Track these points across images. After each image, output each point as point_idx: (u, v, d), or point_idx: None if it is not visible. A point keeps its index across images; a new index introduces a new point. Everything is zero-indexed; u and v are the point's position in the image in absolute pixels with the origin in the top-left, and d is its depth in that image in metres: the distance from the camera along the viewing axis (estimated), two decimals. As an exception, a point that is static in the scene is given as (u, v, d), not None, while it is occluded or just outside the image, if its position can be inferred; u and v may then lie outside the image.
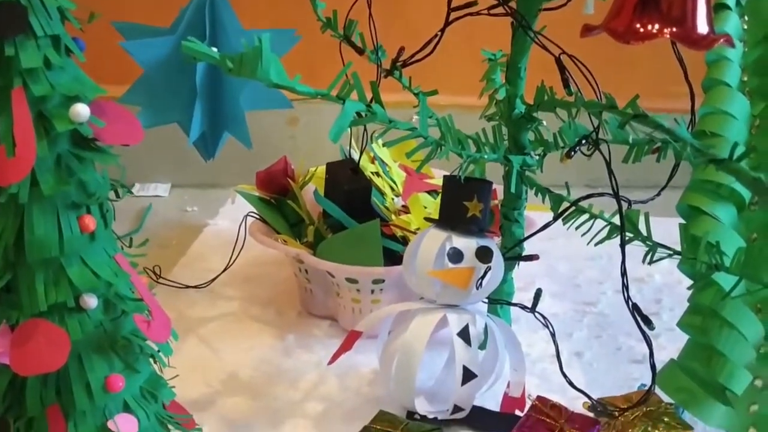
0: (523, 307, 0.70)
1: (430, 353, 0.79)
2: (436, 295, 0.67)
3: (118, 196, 0.51)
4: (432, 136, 0.63)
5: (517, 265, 0.78)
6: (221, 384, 0.75)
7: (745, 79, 0.62)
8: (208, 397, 0.73)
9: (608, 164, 0.60)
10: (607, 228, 0.66)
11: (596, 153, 0.61)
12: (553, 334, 0.68)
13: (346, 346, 0.69)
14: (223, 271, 0.94)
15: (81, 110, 0.43)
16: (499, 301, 0.76)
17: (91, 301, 0.48)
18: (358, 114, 0.58)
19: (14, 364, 0.45)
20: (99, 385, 0.49)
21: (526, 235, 0.73)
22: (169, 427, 0.57)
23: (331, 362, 0.70)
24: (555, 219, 0.69)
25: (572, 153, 0.58)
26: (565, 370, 0.78)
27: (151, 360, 0.55)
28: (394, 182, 0.90)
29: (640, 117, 0.51)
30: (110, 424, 0.50)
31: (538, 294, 0.69)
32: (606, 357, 0.81)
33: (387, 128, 0.61)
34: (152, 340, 0.50)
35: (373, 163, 0.91)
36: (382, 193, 0.87)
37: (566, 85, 0.58)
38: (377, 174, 0.90)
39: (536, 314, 0.69)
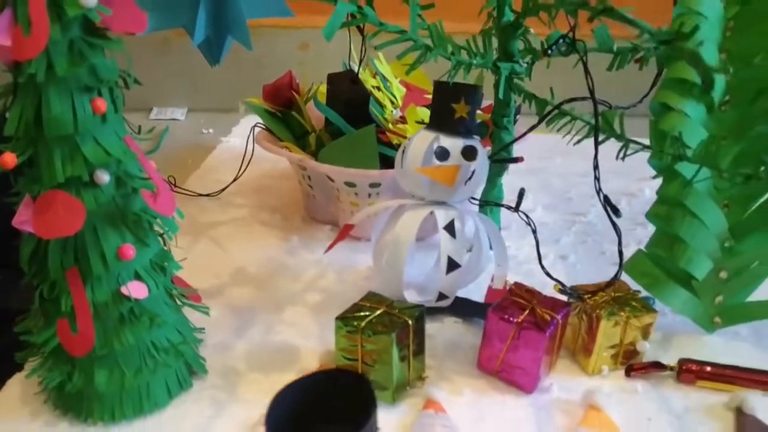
0: (508, 207, 0.75)
1: (423, 253, 0.84)
2: (424, 193, 0.72)
3: (126, 86, 0.56)
4: (421, 39, 0.67)
5: (506, 172, 0.82)
6: (229, 277, 0.81)
7: (721, -17, 0.65)
8: (217, 288, 0.79)
9: (585, 65, 0.64)
10: (588, 129, 0.70)
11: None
12: (534, 231, 0.73)
13: (341, 237, 0.74)
14: (234, 180, 1.00)
15: (89, -4, 0.47)
16: (488, 203, 0.81)
17: (104, 177, 0.53)
18: (352, 15, 0.62)
19: (36, 229, 0.51)
20: (112, 253, 0.55)
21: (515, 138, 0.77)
22: (178, 299, 0.63)
23: (327, 251, 0.76)
24: (540, 121, 0.73)
25: (549, 51, 0.62)
26: (549, 270, 0.84)
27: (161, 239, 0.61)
28: (394, 96, 0.94)
29: (607, 11, 0.54)
30: (123, 290, 0.56)
31: (521, 193, 0.74)
32: (589, 260, 0.86)
33: (378, 30, 0.65)
34: (158, 212, 0.55)
35: (374, 77, 0.95)
36: (382, 106, 0.91)
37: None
38: (378, 88, 0.94)
39: (519, 213, 0.73)
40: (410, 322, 0.61)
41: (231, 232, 0.91)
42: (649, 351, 0.67)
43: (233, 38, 0.70)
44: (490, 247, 0.75)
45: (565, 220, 0.96)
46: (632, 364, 0.66)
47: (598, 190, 0.65)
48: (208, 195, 0.99)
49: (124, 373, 0.58)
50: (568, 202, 1.00)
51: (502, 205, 0.78)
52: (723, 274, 0.69)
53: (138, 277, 0.57)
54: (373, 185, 0.83)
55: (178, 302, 0.63)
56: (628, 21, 0.53)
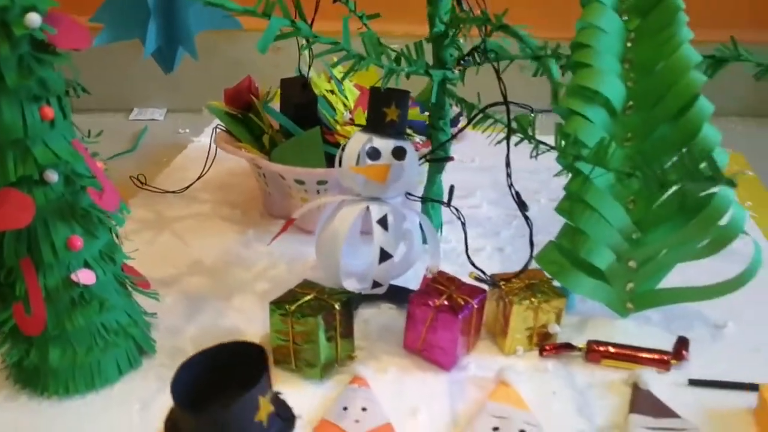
0: (441, 202, 0.82)
1: (368, 245, 0.90)
2: (360, 189, 0.78)
3: (76, 94, 0.63)
4: (354, 50, 0.73)
5: (443, 170, 0.89)
6: (186, 267, 0.88)
7: (622, -2, 0.71)
8: (173, 277, 0.86)
9: (498, 75, 0.70)
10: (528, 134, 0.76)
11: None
12: (463, 224, 0.79)
13: (283, 229, 0.81)
14: (198, 178, 1.07)
15: (33, 18, 0.54)
16: (426, 200, 0.88)
17: (53, 176, 0.60)
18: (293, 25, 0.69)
19: (-9, 222, 0.58)
20: (62, 243, 0.61)
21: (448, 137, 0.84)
22: (128, 286, 0.70)
23: (271, 242, 0.82)
24: (468, 123, 0.80)
25: (461, 63, 0.68)
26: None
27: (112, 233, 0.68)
28: (347, 99, 1.00)
29: (502, 27, 0.60)
30: (73, 276, 0.62)
31: (451, 190, 0.80)
32: (525, 252, 0.91)
33: (311, 43, 0.71)
34: (103, 208, 0.62)
35: (329, 82, 1.02)
36: (335, 108, 0.98)
37: (458, 3, 0.67)
38: (332, 92, 1.00)
39: (450, 207, 0.80)
40: (337, 306, 0.68)
41: (193, 226, 0.98)
42: (561, 333, 0.74)
43: (183, 49, 0.77)
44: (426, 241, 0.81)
45: (508, 215, 1.02)
46: (544, 345, 0.73)
47: (510, 185, 0.71)
48: (174, 192, 1.06)
49: (76, 351, 0.65)
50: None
51: (435, 200, 0.85)
52: (632, 264, 0.76)
53: (87, 265, 0.64)
54: (320, 182, 0.89)
55: (129, 288, 0.70)
56: (518, 36, 0.59)
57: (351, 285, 0.82)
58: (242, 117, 0.99)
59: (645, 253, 0.75)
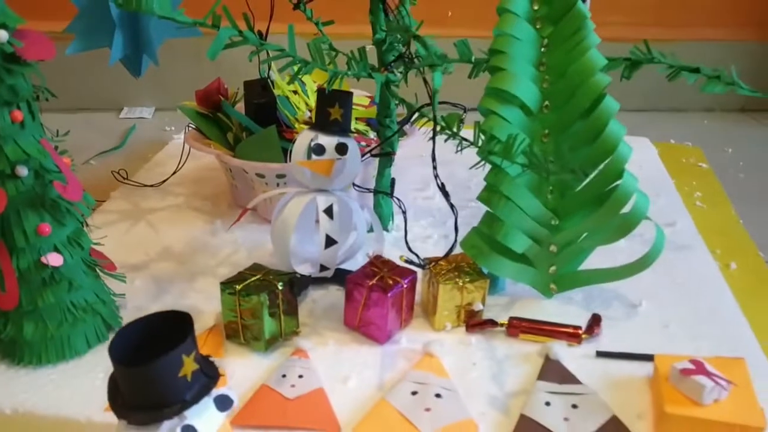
0: (384, 193, 0.90)
1: (319, 233, 0.99)
2: (309, 182, 0.86)
3: (38, 99, 0.71)
4: (299, 56, 0.82)
5: (392, 164, 0.97)
6: (156, 254, 0.96)
7: (536, 8, 0.78)
8: (144, 262, 0.95)
9: (424, 80, 0.78)
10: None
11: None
12: (404, 212, 0.88)
13: (239, 217, 0.89)
14: (173, 173, 1.15)
15: (1, 34, 0.62)
16: (377, 192, 0.96)
17: (23, 171, 0.68)
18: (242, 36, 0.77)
19: (-31, 210, 0.67)
20: (32, 230, 0.70)
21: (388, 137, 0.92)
22: (95, 269, 0.78)
23: (229, 228, 0.91)
24: (405, 122, 0.88)
25: (389, 68, 0.76)
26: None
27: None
28: (309, 98, 1.09)
29: (416, 37, 0.68)
30: (43, 259, 0.71)
31: (392, 182, 0.89)
32: (467, 239, 1.00)
33: (258, 50, 0.79)
34: (67, 199, 0.70)
35: (292, 83, 1.10)
36: (297, 107, 1.06)
37: (386, 14, 0.75)
38: (295, 92, 1.09)
39: (393, 198, 0.88)
40: (279, 286, 0.76)
41: (166, 216, 1.06)
42: (491, 311, 0.82)
43: (147, 56, 0.86)
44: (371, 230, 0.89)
45: (459, 206, 1.08)
46: (470, 321, 0.81)
47: (436, 176, 0.79)
48: (152, 186, 1.15)
49: (48, 326, 0.73)
50: (466, 190, 1.14)
51: (379, 192, 0.93)
52: (553, 248, 0.83)
53: (56, 249, 0.72)
54: (279, 176, 0.98)
55: (97, 271, 0.79)
56: (426, 46, 0.67)
57: (306, 269, 0.90)
58: (212, 116, 1.07)
59: (564, 239, 0.83)
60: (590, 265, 0.86)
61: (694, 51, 1.68)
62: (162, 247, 0.98)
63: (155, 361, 0.51)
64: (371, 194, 0.98)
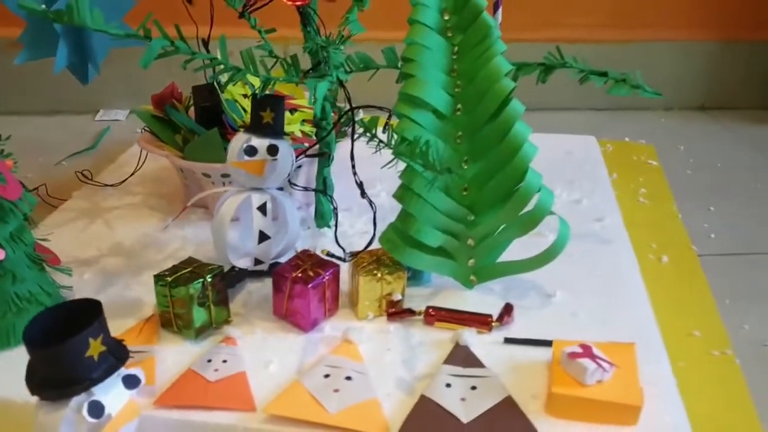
0: (320, 191, 0.96)
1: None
2: (244, 181, 0.92)
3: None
4: (231, 63, 0.87)
5: (330, 164, 1.02)
6: (107, 249, 1.03)
7: (446, 18, 0.83)
8: (95, 257, 1.01)
9: (344, 87, 0.84)
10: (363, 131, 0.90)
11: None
12: (335, 209, 0.94)
13: (177, 215, 0.95)
14: (133, 173, 1.21)
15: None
16: (316, 190, 1.02)
17: (-35, 173, 0.75)
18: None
19: None
20: (-25, 227, 0.76)
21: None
22: (39, 262, 0.84)
23: (164, 228, 0.97)
24: (335, 124, 0.94)
25: (306, 75, 0.82)
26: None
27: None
28: (259, 102, 1.14)
29: (323, 47, 0.74)
30: (-15, 254, 0.77)
31: (324, 182, 0.94)
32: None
33: (190, 59, 0.85)
34: (6, 198, 0.77)
35: (244, 86, 1.16)
36: (245, 111, 1.12)
37: (304, 25, 0.81)
38: (246, 96, 1.14)
39: (329, 196, 0.94)
40: (208, 278, 0.82)
41: (122, 215, 1.13)
42: (414, 301, 0.88)
43: (91, 65, 0.92)
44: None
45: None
46: (389, 311, 0.86)
47: (354, 173, 0.85)
48: (112, 185, 1.21)
49: (-7, 315, 0.80)
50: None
51: (315, 190, 0.99)
52: (470, 242, 0.89)
53: (-1, 245, 0.79)
54: (224, 175, 1.03)
55: (43, 265, 0.85)
56: (328, 57, 0.73)
57: (244, 263, 0.96)
58: (167, 119, 1.13)
59: (480, 233, 0.88)
60: (517, 258, 0.91)
61: (653, 51, 1.74)
62: (114, 243, 1.04)
63: (62, 343, 0.57)
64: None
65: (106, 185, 1.21)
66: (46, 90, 1.65)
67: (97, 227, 1.09)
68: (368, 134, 0.86)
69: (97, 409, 0.58)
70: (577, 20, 1.72)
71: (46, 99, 1.66)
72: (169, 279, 0.82)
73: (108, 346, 0.61)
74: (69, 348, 0.58)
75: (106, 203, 1.16)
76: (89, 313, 0.61)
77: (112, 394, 0.60)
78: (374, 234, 0.86)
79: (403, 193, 0.83)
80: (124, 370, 0.62)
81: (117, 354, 0.62)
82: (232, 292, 0.91)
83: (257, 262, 0.94)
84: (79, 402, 0.59)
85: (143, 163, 1.21)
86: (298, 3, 0.74)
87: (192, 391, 0.75)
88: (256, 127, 0.90)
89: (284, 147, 0.91)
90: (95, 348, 0.59)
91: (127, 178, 1.22)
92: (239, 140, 0.91)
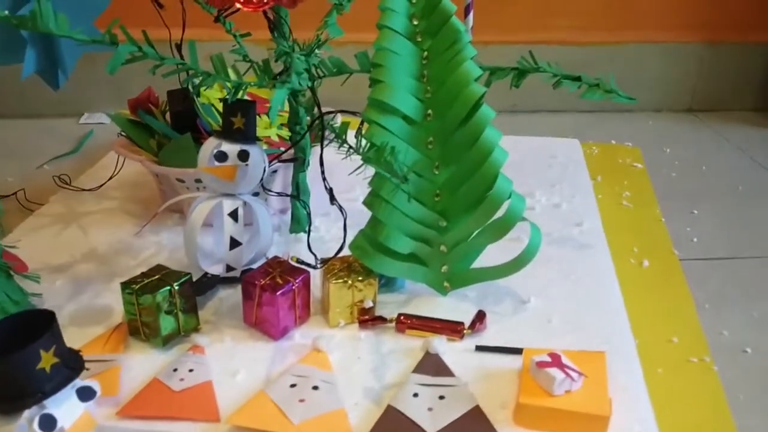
0: (293, 196, 0.95)
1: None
2: (215, 186, 0.91)
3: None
4: (201, 68, 0.86)
5: (305, 169, 1.01)
6: (81, 255, 1.02)
7: (416, 23, 0.82)
8: (68, 264, 1.00)
9: (313, 91, 0.83)
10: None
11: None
12: (308, 214, 0.93)
13: (148, 222, 0.94)
14: (110, 178, 1.21)
15: None
16: (290, 195, 1.01)
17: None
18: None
19: None
20: (-63, 234, 0.75)
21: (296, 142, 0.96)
22: (11, 272, 0.84)
23: (138, 232, 0.96)
24: (308, 128, 0.93)
25: (276, 79, 0.81)
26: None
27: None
28: (235, 106, 1.13)
29: (287, 54, 0.73)
30: (-50, 262, 0.77)
31: (298, 188, 0.93)
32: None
33: (158, 65, 0.84)
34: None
35: (222, 90, 1.15)
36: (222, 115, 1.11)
37: (272, 31, 0.80)
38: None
39: (299, 201, 0.93)
40: (175, 286, 0.81)
41: (98, 220, 1.12)
42: (388, 308, 0.87)
43: (60, 71, 0.91)
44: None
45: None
46: (360, 318, 0.85)
47: (324, 179, 0.84)
48: (89, 190, 1.20)
49: (-42, 323, 0.79)
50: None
51: (290, 195, 0.98)
52: (443, 248, 0.88)
53: (-36, 254, 0.78)
54: (198, 180, 1.03)
55: (12, 272, 0.84)
56: (291, 62, 0.72)
57: (217, 269, 0.95)
58: (143, 123, 1.13)
59: (452, 239, 0.87)
60: (496, 263, 0.90)
61: (641, 53, 1.73)
62: (88, 249, 1.03)
63: (8, 356, 0.56)
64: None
65: (84, 190, 1.20)
66: (29, 92, 1.64)
67: (72, 232, 1.08)
68: (338, 140, 0.85)
69: (48, 423, 0.58)
70: (564, 22, 1.71)
71: (29, 101, 1.65)
72: (136, 287, 0.81)
73: (61, 357, 0.60)
74: (18, 360, 0.57)
75: (83, 208, 1.15)
76: (45, 324, 0.61)
77: (65, 406, 0.60)
78: (344, 240, 0.85)
79: (372, 200, 0.82)
80: (79, 382, 0.61)
81: (72, 365, 0.61)
82: (204, 299, 0.91)
83: (229, 268, 0.93)
84: (31, 415, 0.58)
85: (121, 167, 1.20)
86: (250, 9, 0.73)
87: (156, 401, 0.74)
88: (227, 133, 0.89)
89: (256, 152, 0.90)
90: (47, 360, 0.58)
91: (104, 183, 1.21)
92: (210, 145, 0.90)
